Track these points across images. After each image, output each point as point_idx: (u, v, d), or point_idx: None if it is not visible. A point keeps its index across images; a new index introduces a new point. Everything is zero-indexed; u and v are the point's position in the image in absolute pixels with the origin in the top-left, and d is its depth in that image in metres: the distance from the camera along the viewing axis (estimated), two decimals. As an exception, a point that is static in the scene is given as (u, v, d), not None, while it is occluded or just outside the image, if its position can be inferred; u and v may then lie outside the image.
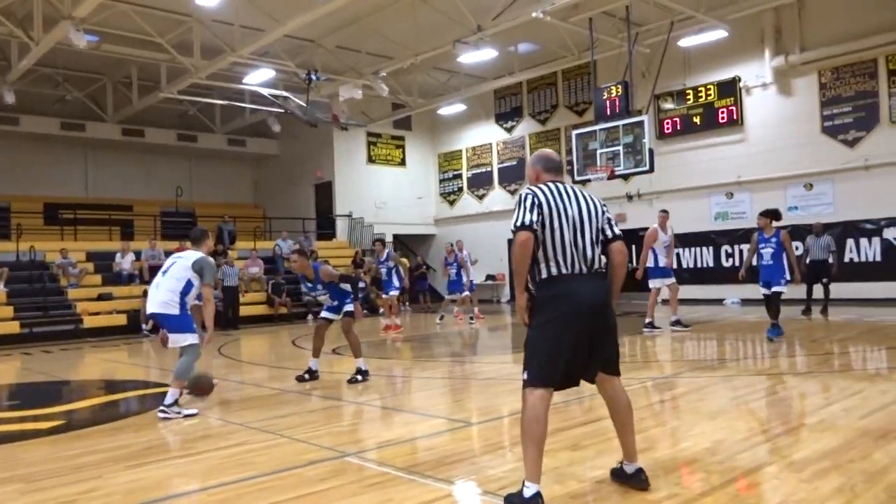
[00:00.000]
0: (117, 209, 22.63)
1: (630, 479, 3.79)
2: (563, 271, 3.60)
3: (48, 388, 8.93)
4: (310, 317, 18.56)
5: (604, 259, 3.75)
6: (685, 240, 18.44)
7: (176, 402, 6.23)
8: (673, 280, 12.00)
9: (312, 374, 8.15)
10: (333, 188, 23.83)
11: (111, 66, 19.98)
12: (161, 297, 6.33)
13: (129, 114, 21.31)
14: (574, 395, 6.58)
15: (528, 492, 3.47)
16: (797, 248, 13.34)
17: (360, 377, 7.86)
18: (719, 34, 16.07)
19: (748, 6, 15.07)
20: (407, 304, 21.31)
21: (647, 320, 11.82)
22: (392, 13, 16.45)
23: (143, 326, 15.76)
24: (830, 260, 13.32)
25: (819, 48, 16.65)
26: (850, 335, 10.43)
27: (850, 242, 16.31)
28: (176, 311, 6.31)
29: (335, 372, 8.90)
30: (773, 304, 9.99)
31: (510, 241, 16.61)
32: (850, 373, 7.56)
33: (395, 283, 14.40)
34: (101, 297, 16.79)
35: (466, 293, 15.87)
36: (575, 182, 16.56)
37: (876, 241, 15.98)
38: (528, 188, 3.75)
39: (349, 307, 8.07)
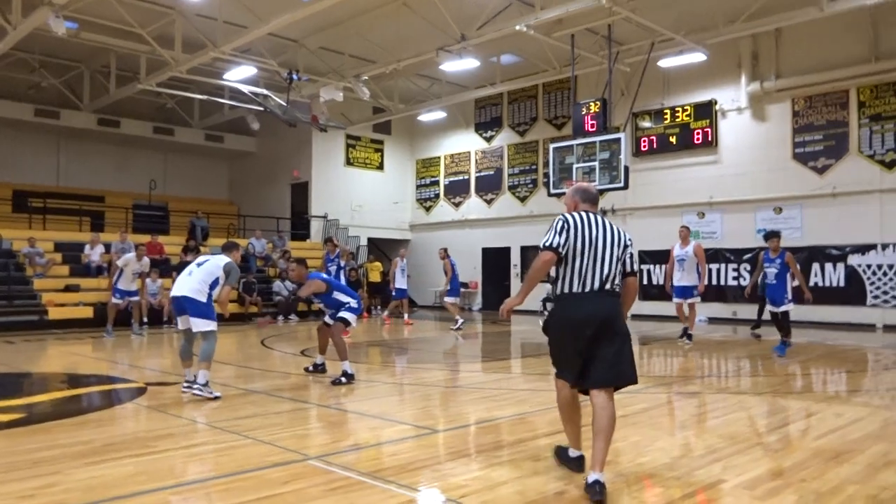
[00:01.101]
0: (88, 200, 22.31)
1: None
2: (576, 290, 4.11)
3: (9, 379, 8.78)
4: (280, 317, 18.48)
5: (618, 282, 4.22)
6: (657, 257, 18.70)
7: (207, 384, 6.92)
8: (678, 299, 12.15)
9: (317, 368, 8.67)
10: (310, 189, 23.74)
11: (89, 54, 19.73)
12: (193, 284, 7.11)
13: (105, 103, 21.04)
14: (538, 407, 6.66)
15: (574, 454, 4.35)
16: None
17: (343, 379, 7.93)
18: (698, 57, 16.35)
19: (727, 32, 15.36)
20: (379, 307, 21.26)
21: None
22: (377, 17, 16.49)
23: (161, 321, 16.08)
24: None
25: (793, 76, 17.03)
26: (811, 357, 10.65)
27: (815, 267, 16.66)
28: (203, 299, 7.09)
29: (302, 374, 8.88)
30: (780, 322, 10.47)
31: (485, 250, 16.95)
32: (808, 394, 7.73)
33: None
34: (67, 289, 16.51)
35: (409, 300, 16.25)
36: (550, 195, 16.76)
37: (840, 266, 16.34)
38: (563, 214, 4.25)
39: (344, 314, 8.30)
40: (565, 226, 4.14)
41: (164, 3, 15.68)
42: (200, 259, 7.66)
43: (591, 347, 4.04)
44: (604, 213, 19.98)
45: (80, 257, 17.48)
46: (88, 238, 17.90)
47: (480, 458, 4.77)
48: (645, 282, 19.22)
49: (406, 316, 17.83)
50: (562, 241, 4.10)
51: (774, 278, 10.43)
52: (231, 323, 17.29)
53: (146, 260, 14.61)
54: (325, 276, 8.99)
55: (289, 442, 5.18)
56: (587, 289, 4.09)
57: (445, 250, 16.69)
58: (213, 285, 7.19)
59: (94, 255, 17.42)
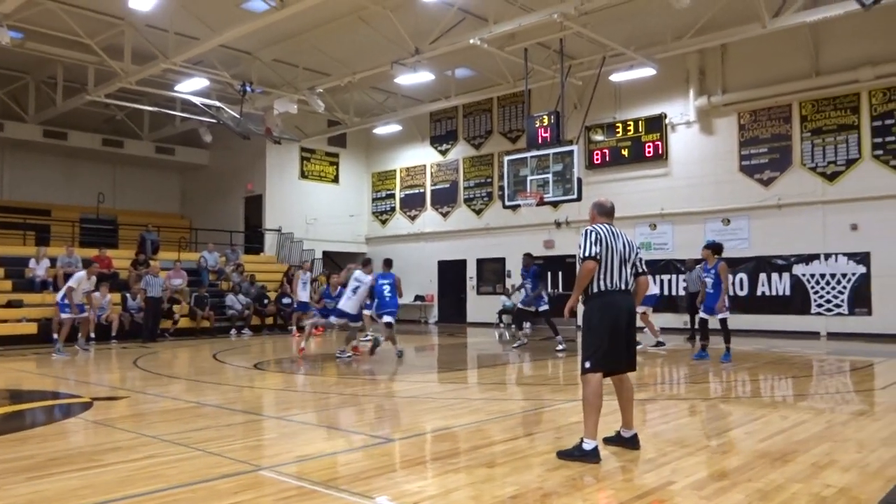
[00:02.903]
0: (34, 213, 21.67)
1: (626, 441, 5.11)
2: (610, 287, 4.98)
3: (-54, 396, 8.44)
4: (233, 331, 18.19)
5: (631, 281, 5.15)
6: (609, 268, 18.94)
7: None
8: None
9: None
10: (264, 202, 23.49)
11: (35, 64, 19.24)
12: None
13: (51, 115, 20.52)
14: (492, 415, 6.68)
15: (589, 445, 4.75)
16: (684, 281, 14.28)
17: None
18: (648, 72, 16.75)
19: (675, 47, 15.77)
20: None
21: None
22: (331, 31, 16.47)
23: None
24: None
25: (739, 91, 17.56)
26: (759, 364, 10.92)
27: (762, 277, 17.12)
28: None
29: (255, 387, 8.75)
30: (725, 329, 10.91)
31: (441, 263, 17.01)
32: (755, 399, 7.92)
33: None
34: (10, 304, 15.99)
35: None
36: (505, 207, 16.91)
37: (786, 276, 16.82)
38: (591, 227, 5.07)
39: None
40: (598, 237, 4.98)
41: (114, 13, 15.42)
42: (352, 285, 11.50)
43: (628, 334, 5.02)
44: (557, 224, 20.32)
45: (23, 272, 16.95)
46: (33, 252, 17.39)
47: (435, 466, 4.76)
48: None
49: (306, 328, 17.46)
50: (598, 250, 4.94)
51: (712, 287, 10.91)
52: (182, 337, 16.98)
53: (94, 278, 14.19)
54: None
55: (240, 453, 5.09)
56: (619, 287, 4.99)
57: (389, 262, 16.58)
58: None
59: (40, 269, 16.92)
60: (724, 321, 10.87)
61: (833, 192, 16.29)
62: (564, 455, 4.79)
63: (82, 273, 13.81)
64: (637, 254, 5.19)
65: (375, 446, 5.42)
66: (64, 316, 13.56)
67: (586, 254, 4.95)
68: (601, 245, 4.95)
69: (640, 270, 5.22)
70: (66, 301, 13.47)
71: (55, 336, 15.34)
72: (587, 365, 4.91)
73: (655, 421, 6.44)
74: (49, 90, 20.05)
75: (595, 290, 5.00)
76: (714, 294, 10.87)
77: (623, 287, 5.02)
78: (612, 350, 4.91)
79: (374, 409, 7.47)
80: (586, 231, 5.03)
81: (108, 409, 7.19)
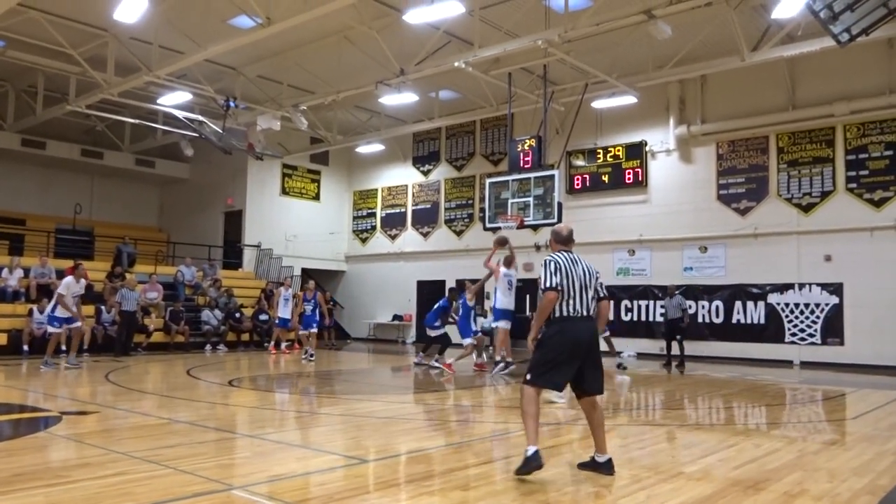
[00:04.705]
0: (8, 222, 21.36)
1: (600, 467, 5.07)
2: (571, 314, 5.07)
3: (-90, 407, 8.25)
4: (208, 347, 17.99)
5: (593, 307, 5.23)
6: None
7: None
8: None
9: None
10: (244, 217, 23.37)
11: (16, 72, 19.04)
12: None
13: (30, 124, 20.30)
14: (468, 437, 6.66)
15: (530, 451, 4.82)
16: (662, 308, 14.73)
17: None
18: (629, 100, 16.99)
19: (656, 76, 16.03)
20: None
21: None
22: (317, 49, 16.53)
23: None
24: (683, 318, 14.18)
25: (718, 121, 17.86)
26: (733, 392, 11.00)
27: (738, 304, 17.30)
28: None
29: (229, 404, 8.65)
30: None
31: (420, 283, 17.11)
32: (728, 427, 7.97)
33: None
34: (-20, 314, 15.71)
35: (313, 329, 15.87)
36: (486, 229, 16.95)
37: (761, 304, 17.01)
38: (551, 256, 5.20)
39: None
40: (558, 266, 5.10)
41: (98, 24, 15.36)
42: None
43: (585, 360, 5.05)
44: (537, 248, 20.41)
45: (-5, 282, 16.66)
46: (6, 262, 17.12)
47: (410, 488, 4.73)
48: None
49: (283, 345, 17.87)
50: (559, 280, 5.06)
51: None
52: (156, 352, 16.75)
53: (83, 281, 13.67)
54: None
55: (212, 472, 5.02)
56: (579, 313, 5.07)
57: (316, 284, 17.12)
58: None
59: (12, 279, 16.66)
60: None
61: (808, 223, 16.56)
62: (518, 472, 4.85)
63: (69, 278, 13.13)
64: (597, 279, 5.29)
65: (350, 467, 5.38)
66: (53, 330, 13.06)
67: (547, 284, 5.07)
68: (560, 274, 5.07)
69: (602, 295, 5.34)
70: (57, 314, 12.85)
71: (25, 348, 15.17)
72: (528, 377, 5.07)
73: (631, 446, 6.45)
74: (29, 99, 19.87)
75: (556, 315, 5.10)
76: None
77: (584, 313, 5.12)
78: (559, 372, 5.02)
79: (349, 429, 7.40)
80: (546, 261, 5.17)
81: (77, 423, 7.06)
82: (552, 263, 5.13)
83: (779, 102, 16.97)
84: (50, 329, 13.20)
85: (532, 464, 4.81)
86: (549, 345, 5.07)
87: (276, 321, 17.68)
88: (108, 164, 23.53)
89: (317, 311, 15.82)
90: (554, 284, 5.06)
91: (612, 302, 18.29)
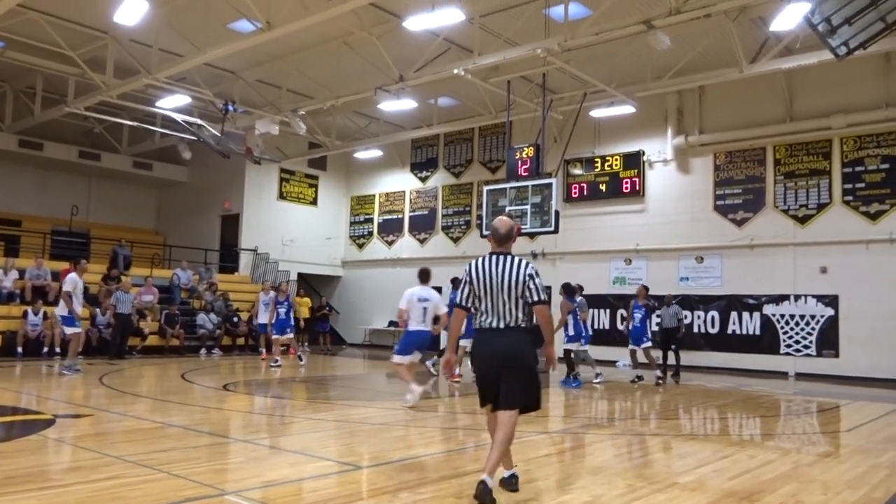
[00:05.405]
0: (4, 223, 21.29)
1: (502, 482, 4.69)
2: (485, 325, 4.65)
3: None
4: (203, 351, 17.93)
5: (522, 315, 4.66)
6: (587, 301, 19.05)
7: None
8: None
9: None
10: (241, 221, 23.33)
11: (14, 73, 19.03)
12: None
13: (28, 125, 20.27)
14: (463, 444, 6.64)
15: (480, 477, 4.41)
16: (658, 318, 14.78)
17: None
18: (627, 109, 17.03)
19: (655, 87, 16.08)
20: (306, 344, 20.96)
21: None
22: (316, 54, 16.56)
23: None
24: (679, 328, 14.21)
25: (715, 132, 17.91)
26: (727, 402, 11.00)
27: (733, 315, 17.31)
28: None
29: (223, 409, 8.62)
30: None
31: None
32: (723, 437, 7.97)
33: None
34: (-26, 315, 15.65)
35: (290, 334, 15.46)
36: (483, 236, 16.93)
37: (756, 315, 17.02)
38: (467, 265, 4.75)
39: None
40: (466, 279, 4.71)
41: (98, 26, 15.37)
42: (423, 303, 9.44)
43: (500, 376, 4.58)
44: (534, 255, 20.40)
45: (-10, 283, 16.61)
46: (1, 263, 17.07)
47: (403, 495, 4.71)
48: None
49: (263, 351, 16.94)
50: (465, 296, 4.71)
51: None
52: (151, 355, 16.70)
53: (83, 279, 13.09)
54: None
55: (205, 476, 5.00)
56: (492, 325, 4.62)
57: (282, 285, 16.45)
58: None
59: (7, 281, 16.62)
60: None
61: (804, 235, 16.59)
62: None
63: (73, 274, 12.47)
64: (525, 282, 4.59)
65: (343, 473, 5.36)
66: (71, 331, 12.47)
67: (456, 300, 4.80)
68: (470, 288, 4.69)
69: (535, 300, 4.62)
70: (69, 314, 12.27)
71: (20, 350, 15.11)
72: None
73: (625, 456, 6.45)
74: (27, 100, 19.84)
75: (476, 325, 4.75)
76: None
77: (498, 325, 4.60)
78: (480, 390, 4.77)
79: (343, 435, 7.38)
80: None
81: (70, 426, 7.04)
82: (464, 275, 4.73)
83: (776, 114, 17.03)
84: (69, 330, 12.54)
85: (481, 498, 4.32)
86: (473, 365, 4.76)
87: (258, 327, 17.21)
88: (105, 167, 23.49)
89: (290, 314, 15.15)
90: (460, 301, 4.71)
91: (606, 310, 18.20)
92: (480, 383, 4.73)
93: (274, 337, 15.18)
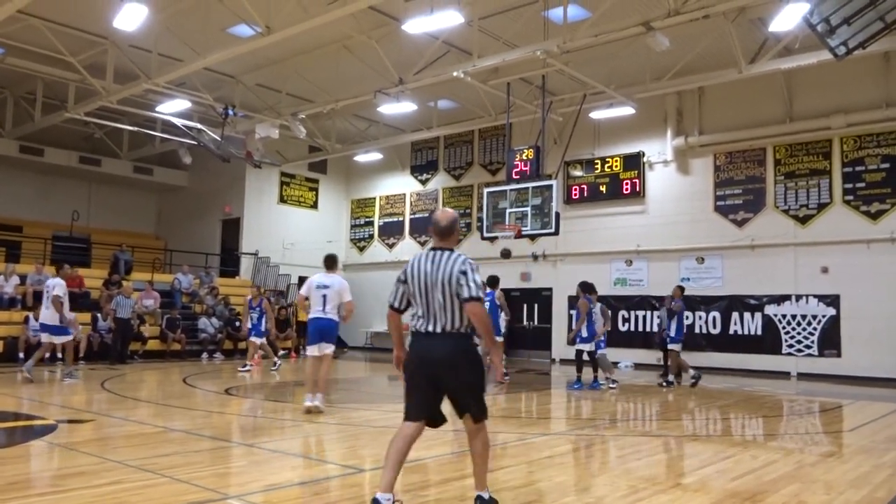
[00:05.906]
0: (5, 229, 21.30)
1: None
2: (419, 330, 4.19)
3: None
4: (204, 355, 17.93)
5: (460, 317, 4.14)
6: (585, 302, 19.06)
7: None
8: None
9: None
10: (241, 225, 23.34)
11: (14, 79, 19.05)
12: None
13: (29, 131, 20.29)
14: (466, 447, 6.63)
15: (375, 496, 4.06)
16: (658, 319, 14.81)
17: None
18: (627, 111, 17.03)
19: (654, 88, 16.08)
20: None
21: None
22: (316, 58, 16.57)
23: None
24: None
25: (715, 133, 17.91)
26: (729, 403, 10.99)
27: (734, 316, 17.30)
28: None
29: (225, 413, 8.62)
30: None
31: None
32: (726, 438, 7.96)
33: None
34: (-25, 321, 15.66)
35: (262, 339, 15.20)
36: (483, 238, 16.96)
37: (758, 316, 17.01)
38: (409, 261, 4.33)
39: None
40: (400, 278, 4.29)
41: (98, 32, 15.38)
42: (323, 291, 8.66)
43: (443, 382, 4.18)
44: (535, 257, 20.39)
45: (-9, 289, 16.61)
46: (2, 268, 17.08)
47: (406, 498, 4.71)
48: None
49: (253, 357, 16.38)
50: (398, 295, 4.29)
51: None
52: (152, 360, 16.70)
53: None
54: None
55: (208, 480, 5.00)
56: (427, 329, 4.16)
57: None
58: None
59: (8, 286, 16.63)
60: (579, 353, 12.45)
61: (805, 235, 16.59)
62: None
63: (60, 279, 12.15)
64: (456, 278, 4.06)
65: (345, 476, 5.36)
66: (63, 339, 12.19)
67: (389, 300, 4.34)
68: (401, 286, 4.28)
69: (464, 296, 4.04)
70: (60, 322, 11.91)
71: (21, 355, 15.09)
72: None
73: (628, 457, 6.44)
74: (28, 105, 19.87)
75: (412, 330, 4.31)
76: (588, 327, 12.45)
77: (431, 328, 4.13)
78: (409, 399, 4.30)
79: (345, 438, 7.38)
80: None
81: (72, 432, 7.04)
82: (401, 274, 4.32)
83: (776, 114, 17.03)
84: (58, 340, 12.18)
85: None
86: (406, 375, 4.31)
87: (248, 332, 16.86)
88: (106, 172, 23.51)
89: (263, 319, 14.87)
90: (391, 300, 4.30)
91: (490, 304, 17.81)
92: (412, 395, 4.25)
93: (250, 340, 15.12)
